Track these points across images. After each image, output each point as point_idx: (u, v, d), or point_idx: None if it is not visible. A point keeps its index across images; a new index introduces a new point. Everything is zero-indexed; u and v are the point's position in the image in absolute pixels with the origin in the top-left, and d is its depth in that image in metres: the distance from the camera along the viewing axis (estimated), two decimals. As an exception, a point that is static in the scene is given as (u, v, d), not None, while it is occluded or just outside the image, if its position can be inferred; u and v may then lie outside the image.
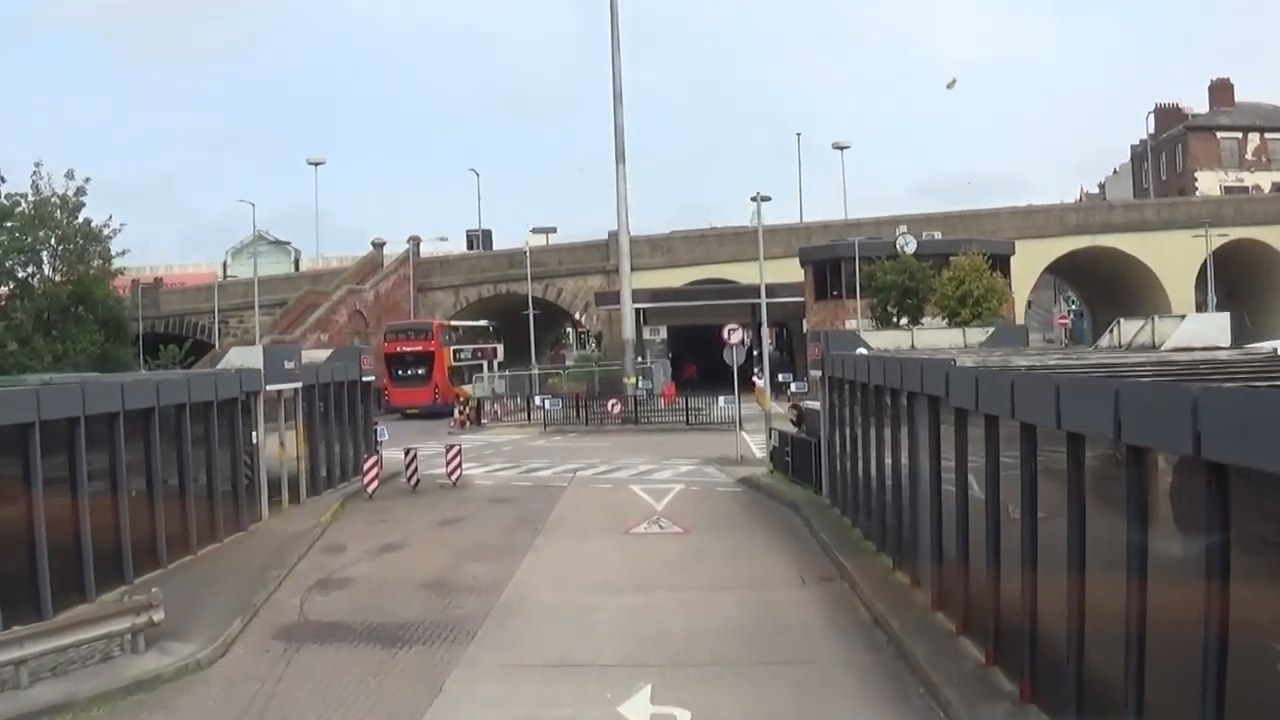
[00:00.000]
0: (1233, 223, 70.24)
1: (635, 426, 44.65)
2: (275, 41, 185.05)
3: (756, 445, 36.41)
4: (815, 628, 15.48)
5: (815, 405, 26.37)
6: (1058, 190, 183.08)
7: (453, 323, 64.72)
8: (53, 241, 51.12)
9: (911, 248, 55.08)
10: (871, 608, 15.72)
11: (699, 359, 75.04)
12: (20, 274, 50.31)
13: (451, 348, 60.05)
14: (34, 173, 49.70)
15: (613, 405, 45.09)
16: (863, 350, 20.82)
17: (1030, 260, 66.18)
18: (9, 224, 48.93)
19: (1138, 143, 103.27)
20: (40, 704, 12.96)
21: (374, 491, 28.22)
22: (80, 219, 51.26)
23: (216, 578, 19.16)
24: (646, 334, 64.65)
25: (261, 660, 14.68)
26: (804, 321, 59.97)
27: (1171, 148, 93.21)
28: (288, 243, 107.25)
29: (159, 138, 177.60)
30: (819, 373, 23.85)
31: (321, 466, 28.89)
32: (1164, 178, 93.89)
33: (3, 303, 50.80)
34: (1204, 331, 18.60)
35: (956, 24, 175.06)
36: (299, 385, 26.76)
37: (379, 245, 74.77)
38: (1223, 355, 14.99)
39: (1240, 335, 55.66)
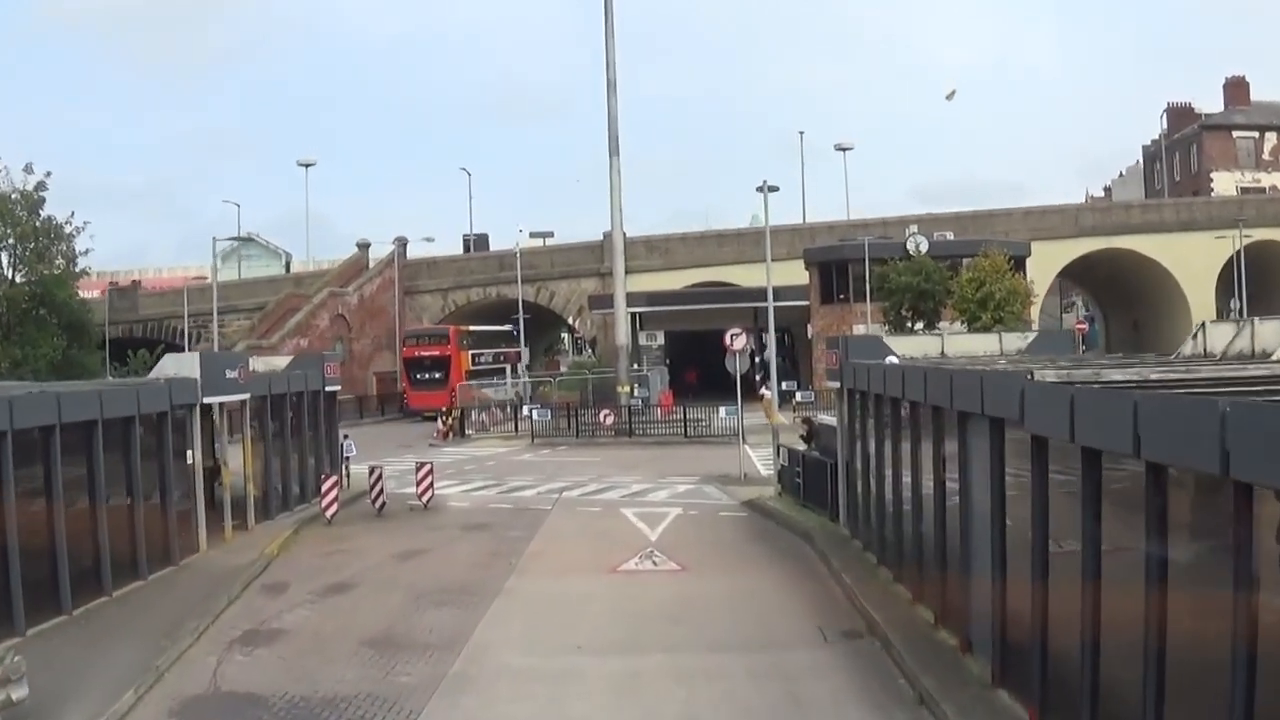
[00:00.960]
0: (1255, 224, 67.14)
1: (629, 439, 41.49)
2: (274, 47, 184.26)
3: (761, 461, 33.31)
4: (845, 705, 12.34)
5: (830, 420, 23.28)
6: (1059, 195, 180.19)
7: (471, 328, 63.59)
8: (11, 240, 48.09)
9: (924, 248, 52.12)
10: (914, 681, 12.56)
11: (698, 366, 72.06)
12: (-26, 275, 47.38)
13: (469, 352, 60.79)
14: (-10, 167, 46.74)
15: (605, 416, 41.93)
16: (893, 359, 17.70)
17: (1044, 263, 63.09)
18: (-40, 221, 45.97)
19: (1149, 143, 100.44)
20: None
21: (333, 516, 25.08)
22: (43, 216, 48.27)
23: (125, 627, 16.07)
24: (643, 339, 61.54)
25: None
26: (808, 326, 56.89)
27: (1185, 148, 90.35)
28: (278, 246, 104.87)
29: (158, 142, 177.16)
30: (836, 384, 20.73)
31: (276, 487, 25.77)
32: (1178, 178, 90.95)
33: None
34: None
35: (956, 28, 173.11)
36: (245, 396, 23.62)
37: (364, 246, 71.63)
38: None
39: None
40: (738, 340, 30.16)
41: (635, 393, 50.05)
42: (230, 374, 22.60)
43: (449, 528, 24.23)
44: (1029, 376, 10.48)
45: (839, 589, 17.35)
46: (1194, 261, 66.92)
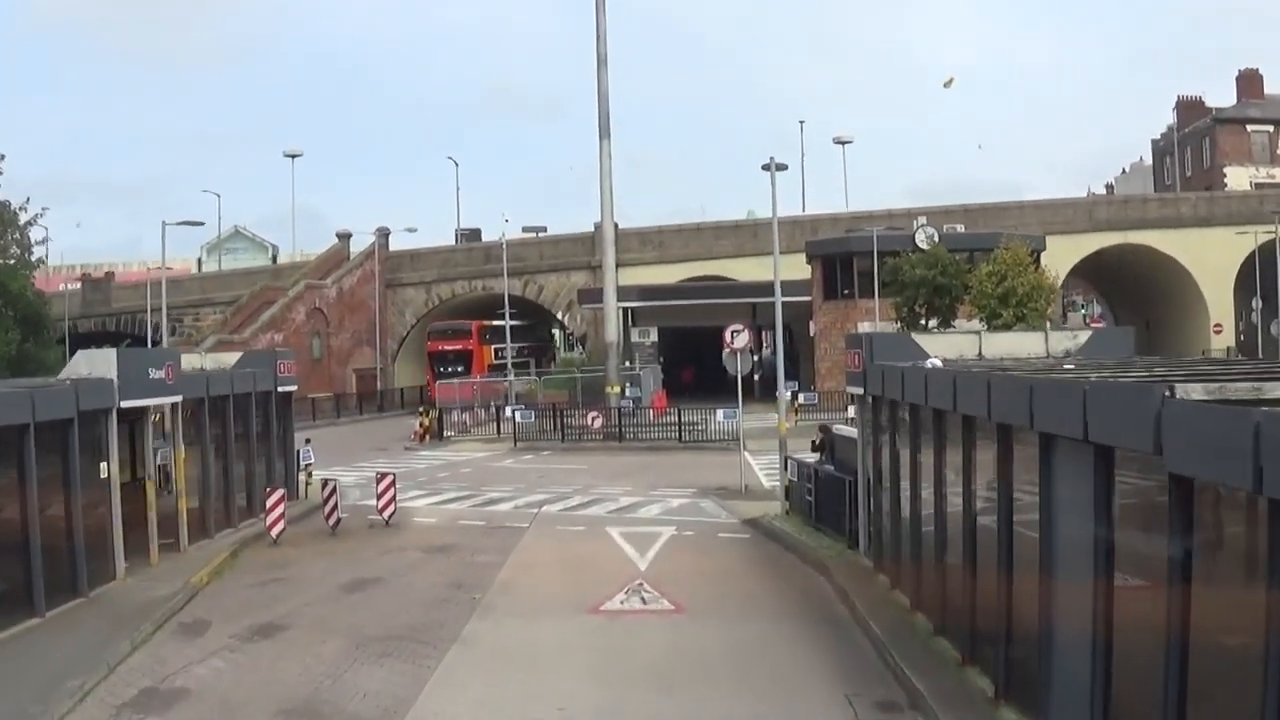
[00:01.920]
0: (1271, 220, 64.27)
1: (619, 444, 38.44)
2: (270, 44, 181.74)
3: (763, 471, 30.33)
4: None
5: (848, 431, 20.26)
6: (1059, 194, 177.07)
7: (494, 323, 62.39)
8: (-42, 228, 44.96)
9: (933, 241, 49.08)
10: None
11: (694, 364, 69.05)
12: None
13: (492, 346, 61.85)
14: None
15: (593, 419, 38.87)
16: (935, 361, 14.66)
17: (1056, 258, 59.77)
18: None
19: (1158, 137, 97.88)
20: None
21: (279, 535, 22.01)
22: (-7, 201, 45.14)
23: (-3, 685, 13.03)
24: (635, 336, 58.51)
25: None
26: (810, 324, 53.88)
27: (1197, 142, 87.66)
28: (265, 239, 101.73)
29: (152, 138, 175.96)
30: (858, 390, 17.68)
31: (216, 501, 22.71)
32: (1189, 174, 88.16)
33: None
34: None
35: (951, 27, 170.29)
36: (175, 399, 20.52)
37: (345, 237, 68.47)
38: None
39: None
40: (739, 337, 27.16)
41: (626, 393, 47.04)
42: (155, 373, 19.48)
43: (409, 550, 21.16)
44: (1168, 393, 7.41)
45: (867, 641, 14.29)
46: (1212, 258, 64.01)
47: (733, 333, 27.17)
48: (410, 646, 14.50)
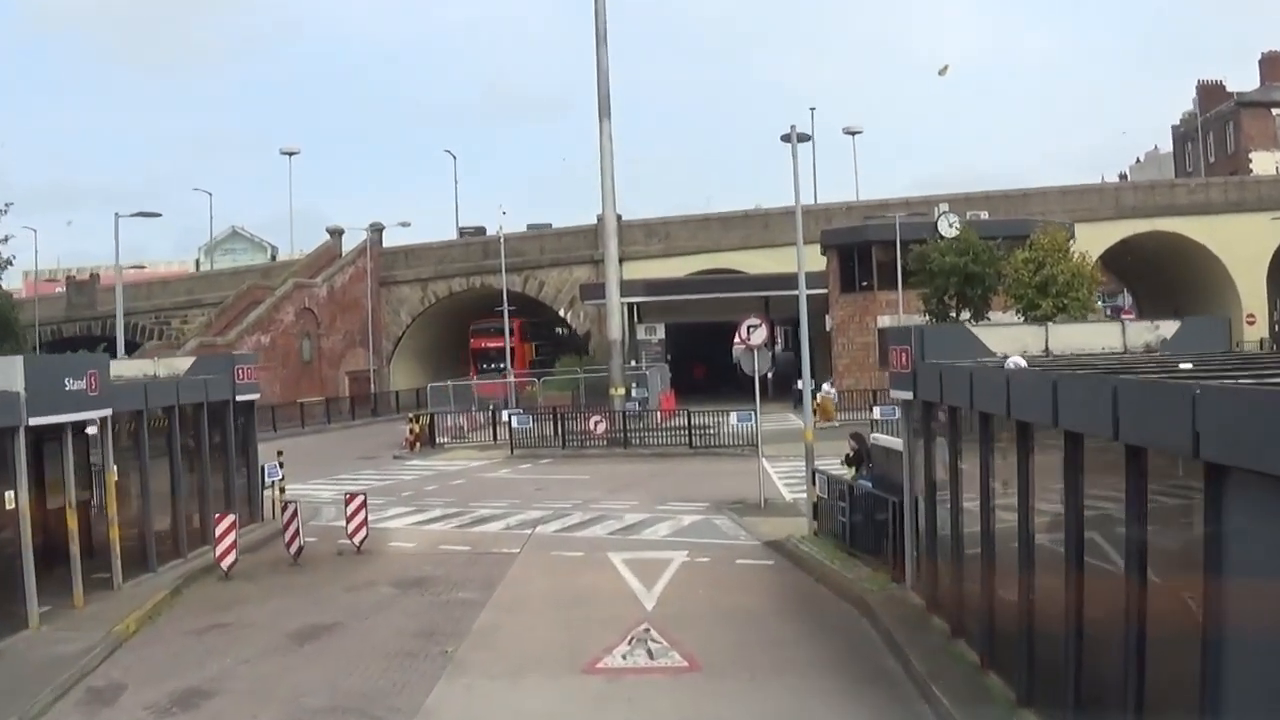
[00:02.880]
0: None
1: (624, 450, 35.46)
2: (271, 46, 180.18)
3: (783, 479, 27.48)
4: None
5: (889, 441, 17.31)
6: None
7: (534, 320, 63.22)
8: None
9: (958, 228, 46.11)
10: None
11: (702, 362, 66.17)
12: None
13: (534, 343, 62.70)
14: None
15: (596, 423, 35.91)
16: (1018, 360, 11.66)
17: (1082, 246, 56.60)
18: None
19: (1178, 122, 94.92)
20: None
21: (231, 568, 19.12)
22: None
23: None
24: (641, 333, 55.55)
25: None
26: (826, 318, 50.88)
27: (1220, 127, 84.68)
28: (263, 239, 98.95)
29: (155, 142, 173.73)
30: (906, 394, 14.70)
31: (160, 530, 19.80)
32: (1213, 159, 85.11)
33: None
34: None
35: (955, 22, 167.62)
36: (104, 413, 17.61)
37: (336, 234, 65.58)
38: None
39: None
40: (755, 333, 24.22)
41: (633, 394, 44.08)
42: (74, 384, 16.55)
43: (379, 584, 18.24)
44: None
45: (928, 710, 11.36)
46: (1244, 246, 60.92)
47: (748, 328, 24.23)
48: (359, 722, 11.62)
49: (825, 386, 42.69)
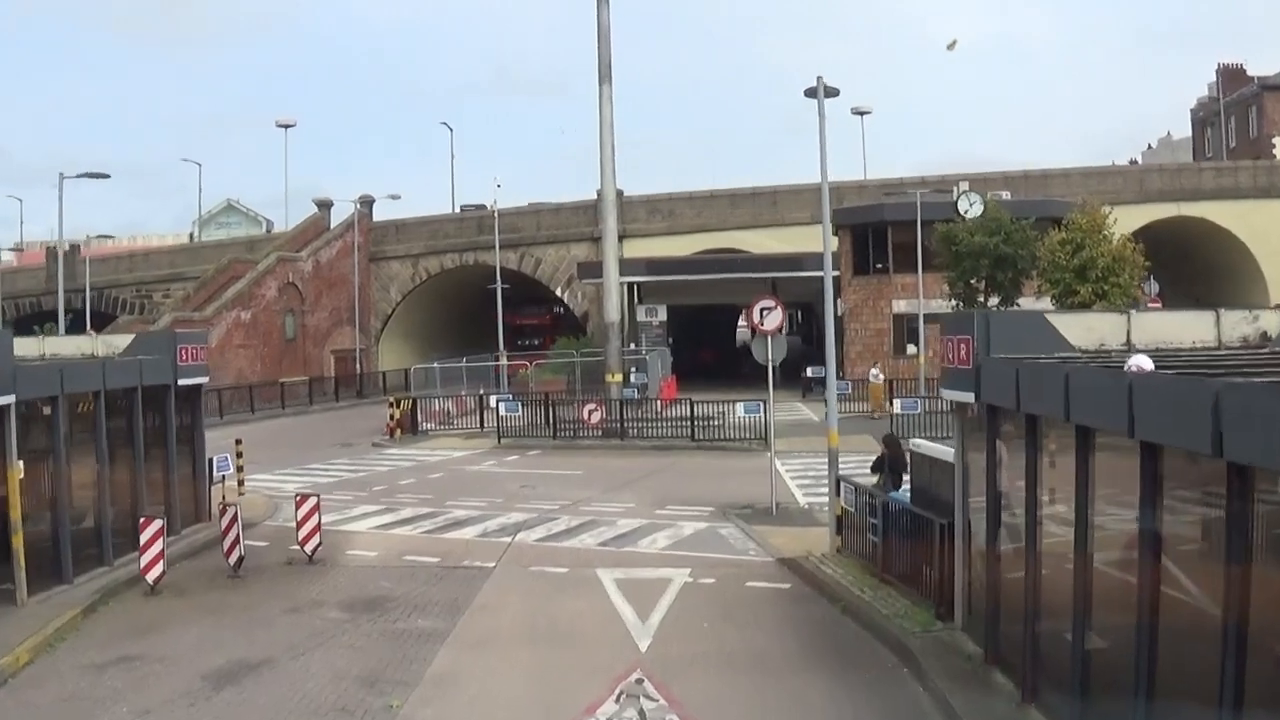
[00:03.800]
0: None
1: (620, 443, 32.62)
2: (276, 24, 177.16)
3: (796, 480, 24.89)
4: None
5: (933, 449, 14.52)
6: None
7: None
8: None
9: (978, 208, 43.28)
10: None
11: (706, 347, 63.47)
12: None
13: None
14: None
15: (590, 412, 33.08)
16: (1143, 362, 8.84)
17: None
18: None
19: (1196, 106, 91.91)
20: None
21: (159, 581, 16.36)
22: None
23: None
24: (641, 314, 52.69)
25: None
26: (838, 302, 48.00)
27: (1242, 111, 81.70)
28: (259, 213, 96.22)
29: (164, 117, 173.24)
30: (966, 395, 11.88)
31: (75, 535, 17.03)
32: (1233, 144, 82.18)
33: None
34: None
35: (959, 6, 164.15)
36: (5, 400, 14.85)
37: (324, 206, 62.57)
38: None
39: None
40: (769, 316, 21.44)
41: (632, 379, 41.32)
42: (-43, 366, 13.82)
43: (327, 605, 15.49)
44: None
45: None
46: (1273, 232, 57.97)
47: (761, 311, 21.44)
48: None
49: (873, 371, 39.82)
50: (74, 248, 74.64)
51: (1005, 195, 47.56)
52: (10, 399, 14.92)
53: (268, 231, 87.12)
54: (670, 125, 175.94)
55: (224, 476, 22.04)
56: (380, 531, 20.75)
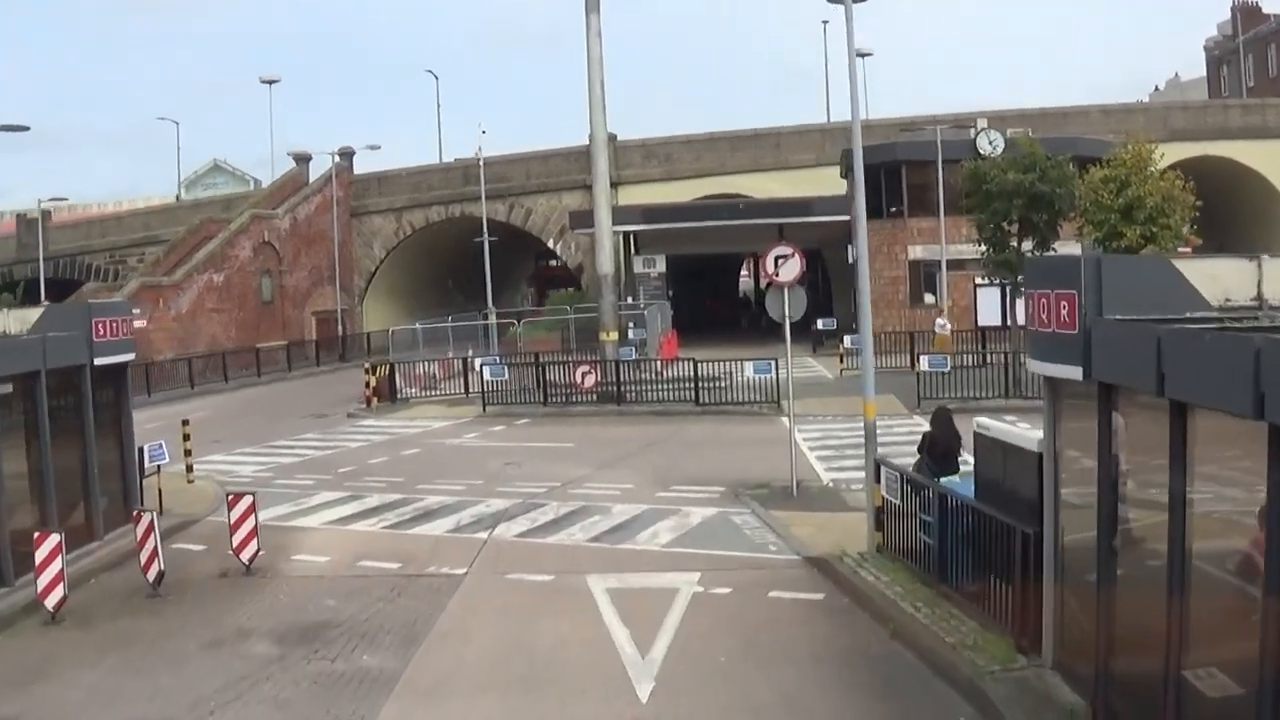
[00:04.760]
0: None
1: (617, 409, 29.64)
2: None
3: (811, 448, 22.18)
4: None
5: (1007, 432, 11.54)
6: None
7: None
8: None
9: (999, 146, 40.23)
10: None
11: (709, 299, 60.57)
12: None
13: None
14: None
15: (584, 375, 30.10)
16: None
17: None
18: None
19: (1211, 44, 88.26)
20: None
21: (60, 606, 13.47)
22: None
23: None
24: (639, 266, 49.62)
25: None
26: (849, 248, 44.96)
27: (1261, 49, 78.39)
28: (245, 172, 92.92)
29: (153, 83, 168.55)
30: (1070, 370, 8.87)
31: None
32: (1252, 84, 78.70)
33: None
34: None
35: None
36: None
37: (303, 160, 59.34)
38: None
39: None
40: (786, 265, 18.39)
41: (630, 335, 38.37)
42: None
43: (254, 637, 12.58)
44: None
45: None
46: (1304, 175, 54.84)
47: (776, 259, 18.37)
48: None
49: (940, 321, 36.64)
50: (44, 213, 71.48)
51: (1029, 133, 44.42)
52: None
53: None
54: (667, 72, 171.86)
55: (159, 466, 19.15)
56: (337, 528, 17.84)
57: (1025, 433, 10.88)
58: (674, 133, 55.83)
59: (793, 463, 18.74)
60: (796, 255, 18.56)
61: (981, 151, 39.51)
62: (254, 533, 15.21)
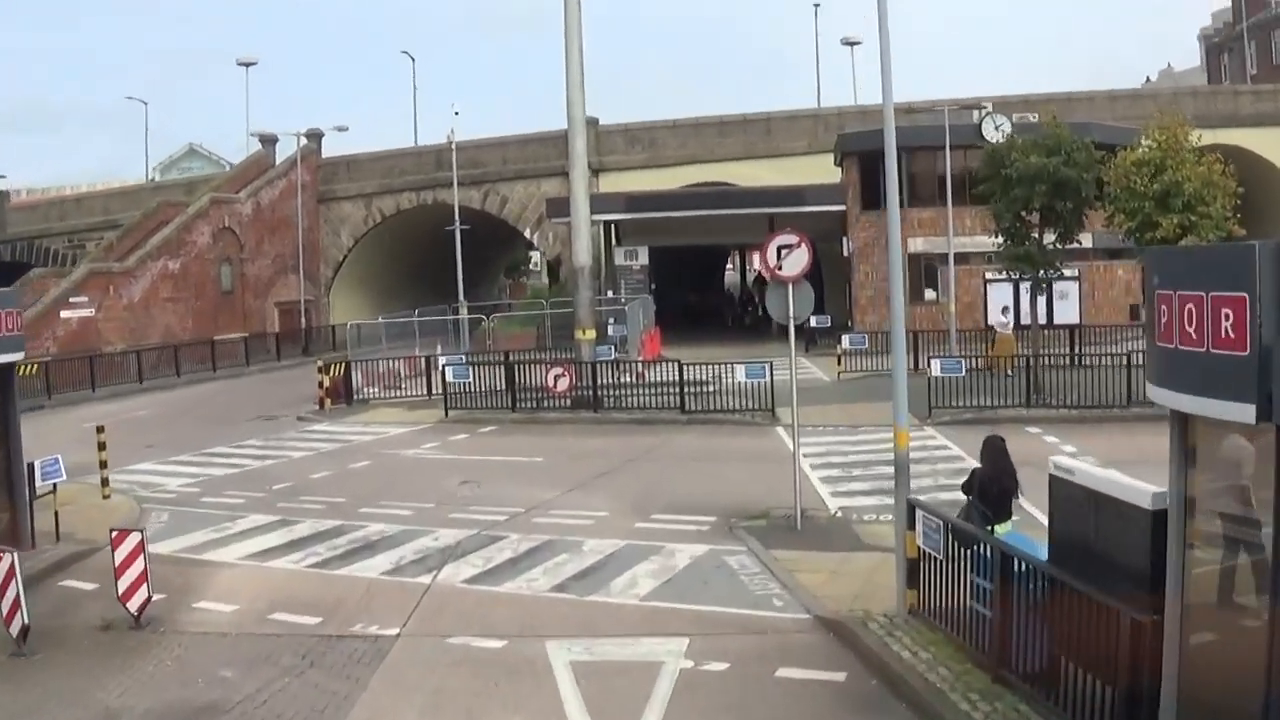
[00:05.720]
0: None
1: (593, 415, 26.78)
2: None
3: (814, 467, 19.39)
4: None
5: (1099, 479, 8.77)
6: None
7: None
8: None
9: (1006, 130, 37.62)
10: None
11: (695, 294, 57.98)
12: None
13: None
14: None
15: (556, 378, 27.24)
16: None
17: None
18: None
19: (1212, 30, 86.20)
20: None
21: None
22: None
23: None
24: (620, 257, 46.81)
25: None
26: (845, 240, 42.35)
27: (1264, 35, 76.11)
28: (221, 157, 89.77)
29: (134, 61, 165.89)
30: (1220, 405, 6.20)
31: None
32: (1254, 71, 76.46)
33: None
34: None
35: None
36: None
37: (269, 141, 56.30)
38: None
39: None
40: (790, 257, 15.69)
41: (610, 332, 35.61)
42: None
43: (116, 727, 9.81)
44: None
45: None
46: (1308, 164, 52.50)
47: (779, 250, 15.66)
48: None
49: (1001, 319, 32.28)
50: (3, 194, 68.24)
51: (1032, 118, 41.79)
52: None
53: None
54: (653, 58, 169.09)
55: (54, 485, 16.30)
56: (256, 563, 14.99)
57: (1129, 482, 8.13)
58: (658, 117, 53.01)
59: (796, 490, 15.99)
60: (804, 245, 15.86)
61: (987, 137, 36.83)
62: (144, 577, 12.36)
